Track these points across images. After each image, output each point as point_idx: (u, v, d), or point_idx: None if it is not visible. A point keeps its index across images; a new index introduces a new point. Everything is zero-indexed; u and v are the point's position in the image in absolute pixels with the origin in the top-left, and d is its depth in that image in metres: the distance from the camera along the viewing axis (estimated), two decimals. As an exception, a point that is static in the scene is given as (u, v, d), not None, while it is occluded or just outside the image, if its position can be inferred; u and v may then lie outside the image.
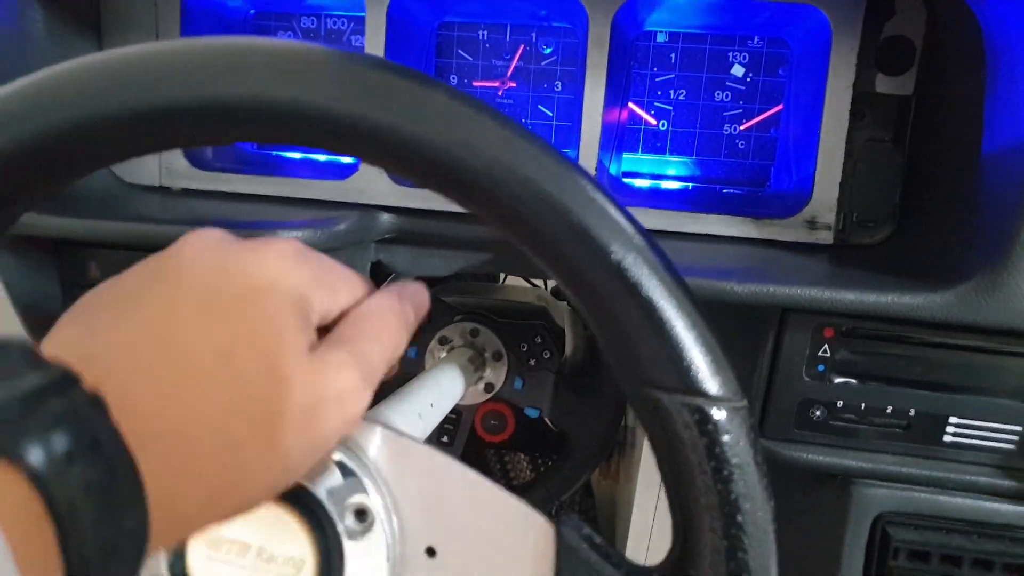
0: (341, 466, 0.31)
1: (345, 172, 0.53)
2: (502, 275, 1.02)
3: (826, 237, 0.48)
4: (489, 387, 0.83)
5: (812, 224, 0.48)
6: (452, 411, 0.83)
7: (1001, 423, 0.46)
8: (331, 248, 0.49)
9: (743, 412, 0.29)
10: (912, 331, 0.45)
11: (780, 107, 0.54)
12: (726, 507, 0.28)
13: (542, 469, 0.97)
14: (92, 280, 0.52)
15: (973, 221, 0.41)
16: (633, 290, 0.28)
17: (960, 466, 0.47)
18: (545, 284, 0.95)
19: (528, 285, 0.95)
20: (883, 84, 0.46)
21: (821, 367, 0.47)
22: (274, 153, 0.61)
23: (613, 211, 0.28)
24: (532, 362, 0.83)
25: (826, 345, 0.46)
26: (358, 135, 0.27)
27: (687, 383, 0.28)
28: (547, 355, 0.83)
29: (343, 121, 0.26)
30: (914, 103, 0.46)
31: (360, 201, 0.52)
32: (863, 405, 0.47)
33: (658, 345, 0.28)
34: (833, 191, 0.47)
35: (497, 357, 0.83)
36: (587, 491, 1.11)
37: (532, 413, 0.83)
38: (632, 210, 0.40)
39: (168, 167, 0.54)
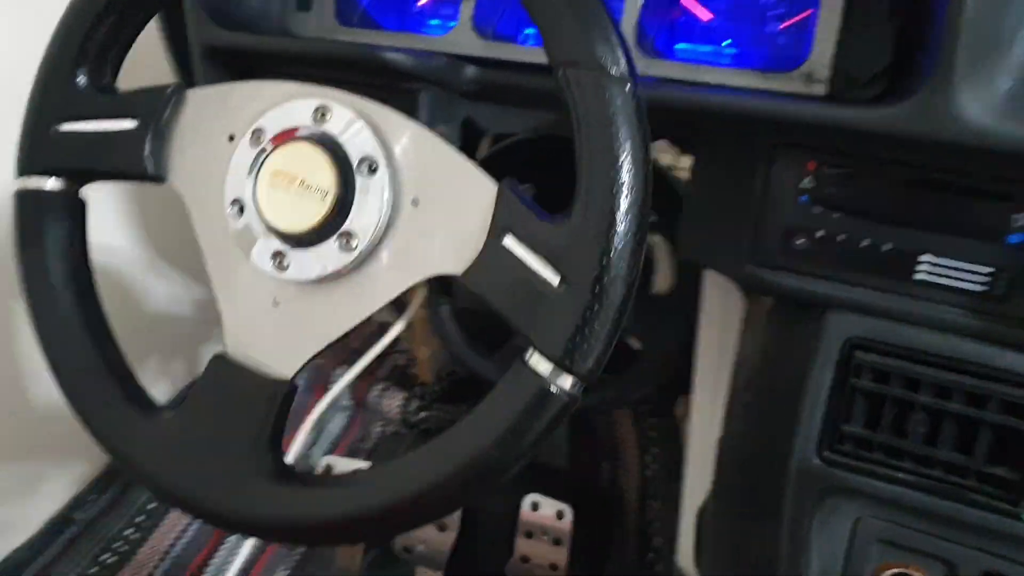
0: (362, 129, 0.44)
1: (444, 31, 0.68)
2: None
3: (819, 89, 0.54)
4: (448, 279, 0.93)
5: (809, 78, 0.55)
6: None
7: (972, 263, 0.50)
8: (420, 78, 0.63)
9: (635, 91, 0.39)
10: (883, 164, 0.51)
11: (810, 11, 0.61)
12: (603, 161, 0.38)
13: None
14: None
15: (926, 58, 0.47)
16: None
17: (931, 304, 0.51)
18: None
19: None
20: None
21: (804, 198, 0.53)
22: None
23: None
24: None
25: (809, 177, 0.53)
26: None
27: (592, 59, 0.39)
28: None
29: None
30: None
31: (455, 52, 0.66)
32: (841, 236, 0.53)
33: (578, 33, 0.39)
34: (828, 50, 0.54)
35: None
36: (675, 435, 1.15)
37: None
38: (657, 63, 0.51)
39: (322, 23, 0.71)
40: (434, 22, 0.73)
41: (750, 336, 0.70)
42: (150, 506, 1.21)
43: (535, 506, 0.94)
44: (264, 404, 0.45)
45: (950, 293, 0.51)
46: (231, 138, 0.48)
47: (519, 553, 0.92)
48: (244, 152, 0.46)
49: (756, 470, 0.62)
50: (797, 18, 0.61)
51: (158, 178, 0.49)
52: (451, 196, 0.43)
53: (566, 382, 0.39)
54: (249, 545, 1.15)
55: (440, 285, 0.94)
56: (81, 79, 0.49)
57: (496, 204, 0.41)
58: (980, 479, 0.50)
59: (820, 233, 0.53)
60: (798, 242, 0.54)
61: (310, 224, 0.44)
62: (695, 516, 0.82)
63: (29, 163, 0.50)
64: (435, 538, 0.94)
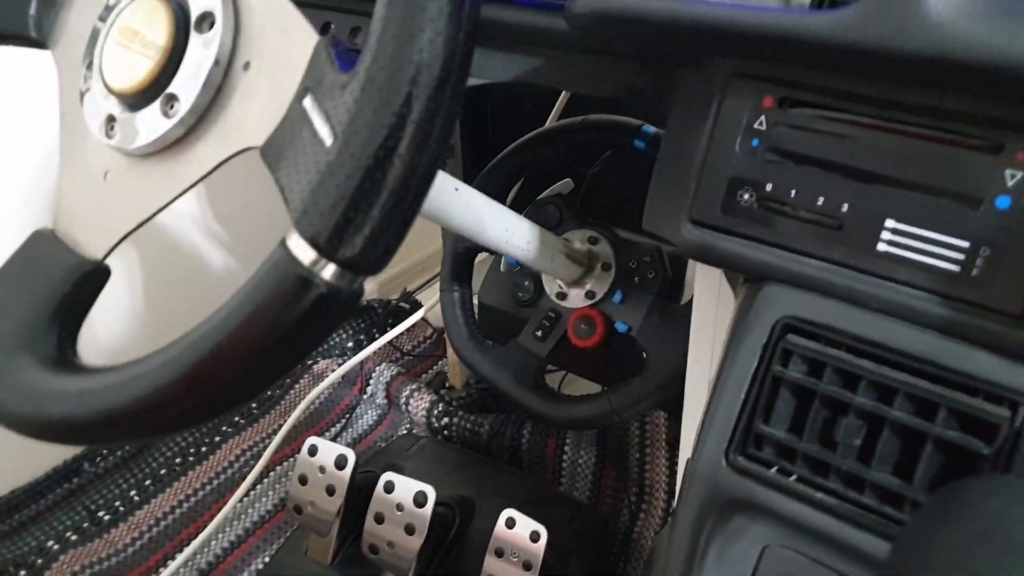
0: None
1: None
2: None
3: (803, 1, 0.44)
4: (591, 294, 0.84)
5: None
6: (552, 310, 0.86)
7: (946, 234, 0.38)
8: None
9: None
10: (849, 101, 0.40)
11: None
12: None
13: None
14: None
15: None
16: None
17: (891, 284, 0.40)
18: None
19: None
20: None
21: (755, 141, 0.43)
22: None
23: None
24: (636, 279, 0.83)
25: (763, 116, 0.43)
26: None
27: None
28: (651, 275, 0.82)
29: None
30: None
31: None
32: (793, 192, 0.42)
33: None
34: None
35: (606, 268, 0.84)
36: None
37: (621, 328, 0.82)
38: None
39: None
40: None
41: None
42: (162, 471, 1.22)
43: (510, 523, 0.85)
44: (58, 280, 0.40)
45: (916, 270, 0.39)
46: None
47: (486, 572, 0.84)
48: (106, 10, 0.43)
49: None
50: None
51: (40, 43, 0.47)
52: (279, 57, 0.37)
53: (327, 270, 0.32)
54: (239, 528, 1.13)
55: (458, 269, 0.88)
56: None
57: (308, 62, 0.35)
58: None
59: (769, 186, 0.43)
60: (744, 197, 0.44)
61: (135, 82, 0.39)
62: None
63: None
64: (402, 540, 0.87)
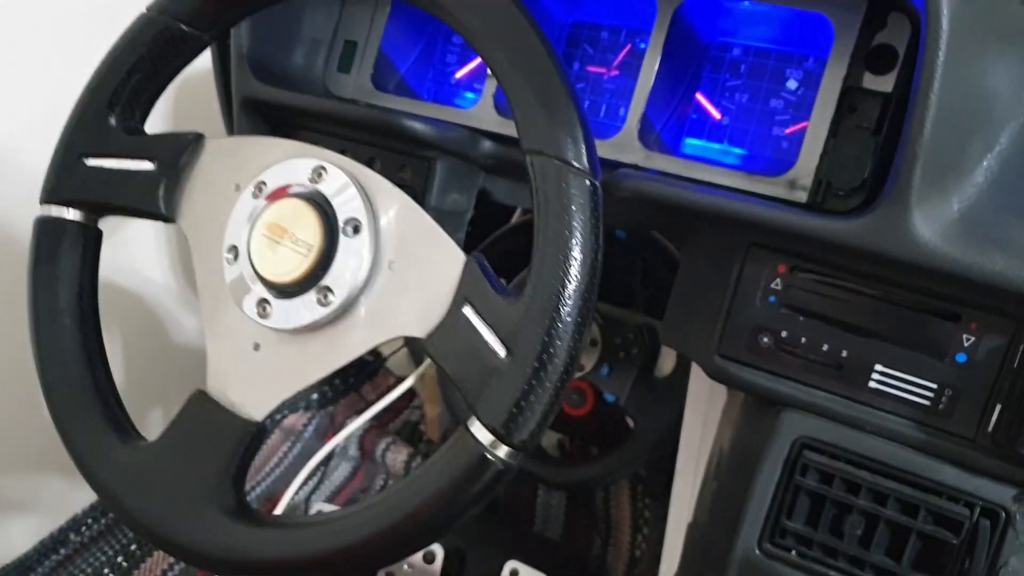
0: (353, 192, 0.48)
1: (468, 105, 0.73)
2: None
3: (801, 196, 0.57)
4: (580, 367, 0.96)
5: (792, 184, 0.58)
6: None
7: (920, 378, 0.52)
8: (437, 147, 0.67)
9: (593, 184, 0.42)
10: (846, 275, 0.53)
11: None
12: (557, 244, 0.42)
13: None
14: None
15: (891, 172, 0.50)
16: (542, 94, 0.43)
17: (880, 413, 0.53)
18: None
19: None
20: (870, 82, 0.56)
21: (772, 298, 0.56)
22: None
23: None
24: (622, 355, 0.95)
25: (778, 279, 0.56)
26: None
27: (557, 151, 0.42)
28: (635, 351, 0.94)
29: None
30: (894, 99, 0.55)
31: (475, 126, 0.70)
32: (803, 339, 0.55)
33: (547, 125, 0.43)
34: (813, 162, 0.57)
35: (593, 343, 0.96)
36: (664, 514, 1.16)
37: (610, 398, 0.94)
38: (656, 156, 0.55)
39: (359, 86, 0.77)
40: (469, 95, 0.78)
41: (726, 425, 0.72)
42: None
43: (514, 574, 0.95)
44: (232, 443, 0.48)
45: (899, 403, 0.52)
46: (237, 187, 0.52)
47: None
48: (245, 202, 0.51)
49: (712, 557, 0.64)
50: (801, 125, 0.64)
51: (168, 218, 0.54)
52: (424, 263, 0.47)
53: (502, 451, 0.42)
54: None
55: None
56: (112, 119, 0.55)
57: (462, 275, 0.45)
58: (910, 586, 0.51)
59: (784, 333, 0.56)
60: (763, 340, 0.56)
61: (293, 276, 0.48)
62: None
63: (53, 192, 0.55)
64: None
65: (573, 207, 0.42)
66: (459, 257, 0.46)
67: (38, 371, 0.53)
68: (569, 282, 0.41)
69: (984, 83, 0.49)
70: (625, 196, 0.59)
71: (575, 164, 0.43)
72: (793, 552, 0.54)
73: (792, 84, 0.66)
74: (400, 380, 1.50)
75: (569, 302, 0.41)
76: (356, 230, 0.48)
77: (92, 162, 0.54)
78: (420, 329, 0.46)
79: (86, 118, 0.55)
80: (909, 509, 0.51)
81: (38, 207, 0.55)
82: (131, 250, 1.16)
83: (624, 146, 0.65)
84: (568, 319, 0.41)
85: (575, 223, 0.42)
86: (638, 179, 0.58)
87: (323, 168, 0.50)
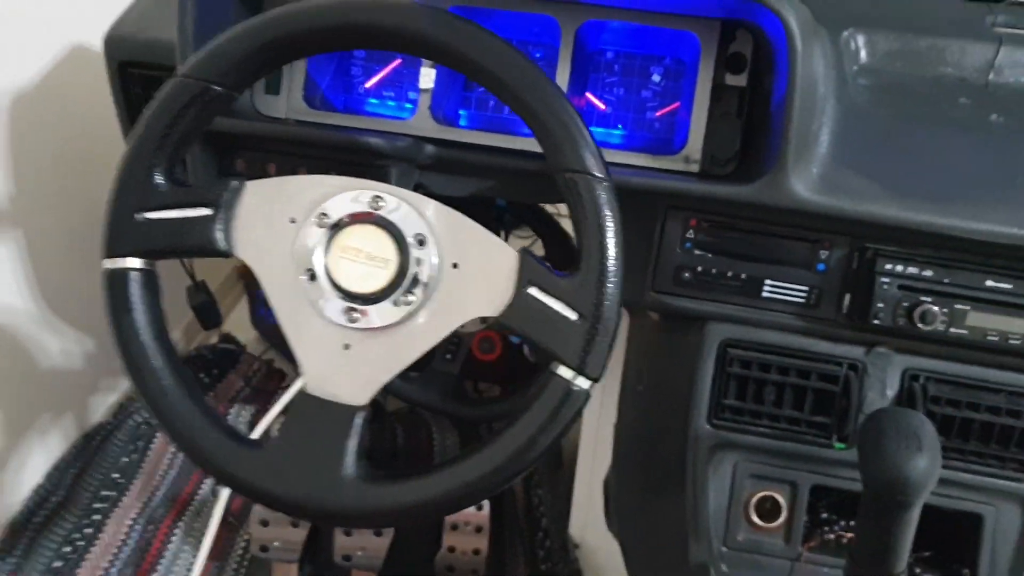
0: (409, 211, 0.61)
1: (406, 115, 0.85)
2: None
3: (695, 167, 0.78)
4: (484, 319, 1.12)
5: (687, 160, 0.79)
6: (454, 336, 1.11)
7: (796, 284, 0.76)
8: (393, 157, 0.79)
9: (611, 186, 0.59)
10: (740, 220, 0.75)
11: (677, 104, 0.85)
12: (599, 233, 0.58)
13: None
14: (239, 172, 0.82)
15: (767, 152, 0.72)
16: (560, 121, 0.58)
17: (773, 312, 0.76)
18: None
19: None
20: (729, 79, 0.78)
21: (688, 244, 0.77)
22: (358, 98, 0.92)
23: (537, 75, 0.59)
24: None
25: (691, 230, 0.76)
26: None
27: (586, 167, 0.58)
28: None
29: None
30: (748, 90, 0.78)
31: (416, 134, 0.83)
32: (713, 270, 0.77)
33: (572, 148, 0.58)
34: (699, 141, 0.78)
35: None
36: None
37: (515, 339, 1.11)
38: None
39: (292, 105, 0.85)
40: (373, 101, 0.89)
41: (635, 344, 0.93)
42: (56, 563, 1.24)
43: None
44: (346, 425, 0.59)
45: (784, 304, 0.76)
46: (292, 221, 0.62)
47: (446, 544, 1.09)
48: (311, 232, 0.61)
49: (654, 442, 0.85)
50: (667, 109, 0.85)
51: (228, 253, 0.62)
52: (482, 259, 0.61)
53: (583, 382, 0.58)
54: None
55: None
56: (158, 178, 0.61)
57: (520, 265, 0.60)
58: (809, 426, 0.76)
59: (699, 268, 0.77)
60: (685, 275, 0.77)
61: (378, 287, 0.60)
62: (601, 488, 1.04)
63: (115, 247, 0.61)
64: (372, 544, 1.08)
65: (605, 208, 0.58)
66: (510, 251, 0.60)
67: (151, 410, 0.60)
68: (610, 259, 0.58)
69: (812, 73, 0.72)
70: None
71: (600, 175, 0.59)
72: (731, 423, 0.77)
73: (656, 77, 0.86)
74: (265, 363, 1.57)
75: (612, 273, 0.58)
76: (421, 242, 0.61)
77: (150, 215, 0.61)
78: (490, 310, 0.60)
79: (135, 178, 0.60)
80: (803, 375, 0.76)
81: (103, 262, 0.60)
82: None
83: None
84: (613, 284, 0.58)
85: (607, 218, 0.58)
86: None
87: (379, 196, 0.61)
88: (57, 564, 1.23)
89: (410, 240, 0.61)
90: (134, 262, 0.61)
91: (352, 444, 0.60)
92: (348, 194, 0.62)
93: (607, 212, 0.58)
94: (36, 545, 1.24)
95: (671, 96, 0.86)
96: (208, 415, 0.60)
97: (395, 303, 0.60)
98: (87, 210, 1.32)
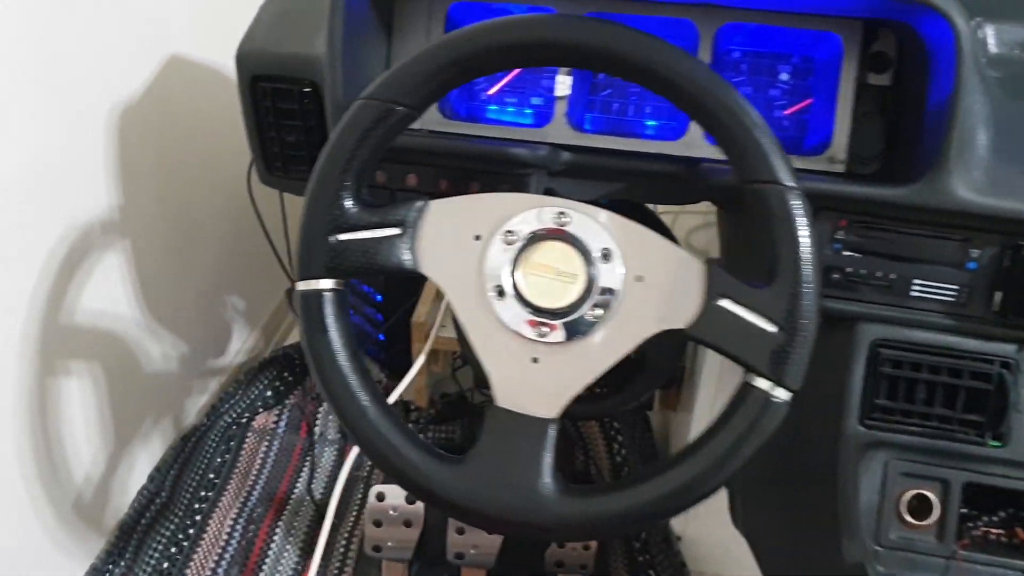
0: (596, 227, 0.61)
1: (527, 122, 0.85)
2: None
3: (840, 167, 0.79)
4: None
5: (831, 160, 0.79)
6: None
7: (946, 283, 0.76)
8: (534, 165, 0.79)
9: (803, 196, 0.59)
10: (888, 221, 0.75)
11: (810, 100, 0.85)
12: (793, 244, 0.58)
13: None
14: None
15: (922, 152, 0.72)
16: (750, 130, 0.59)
17: (922, 312, 0.77)
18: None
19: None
20: (873, 79, 0.78)
21: (837, 245, 0.77)
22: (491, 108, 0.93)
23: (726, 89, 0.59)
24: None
25: (840, 231, 0.77)
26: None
27: (777, 178, 0.59)
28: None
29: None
30: (892, 89, 0.78)
31: (553, 142, 0.83)
32: (863, 271, 0.77)
33: (765, 159, 0.59)
34: (844, 141, 0.78)
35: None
36: (645, 425, 1.39)
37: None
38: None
39: (426, 115, 0.85)
40: (493, 108, 0.90)
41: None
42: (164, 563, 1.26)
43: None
44: (541, 439, 0.60)
45: (934, 303, 0.76)
46: (477, 238, 0.63)
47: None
48: (499, 249, 0.62)
49: (792, 441, 0.86)
50: (799, 106, 0.85)
51: (414, 271, 0.63)
52: (668, 273, 0.61)
53: (784, 394, 0.59)
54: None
55: None
56: (347, 200, 0.62)
57: (708, 276, 0.60)
58: (961, 424, 0.76)
59: (848, 269, 0.77)
60: (834, 276, 0.77)
61: (567, 302, 0.61)
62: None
63: (310, 269, 0.61)
64: (485, 541, 1.10)
65: (799, 218, 0.59)
66: (696, 262, 0.61)
67: (349, 430, 0.61)
68: (806, 269, 0.58)
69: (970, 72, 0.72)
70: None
71: (791, 184, 0.59)
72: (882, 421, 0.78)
73: (784, 76, 0.86)
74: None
75: (809, 283, 0.59)
76: (607, 257, 0.61)
77: (342, 237, 0.61)
78: (678, 322, 0.61)
79: (326, 202, 0.61)
80: (954, 373, 0.76)
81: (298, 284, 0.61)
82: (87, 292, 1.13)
83: (692, 145, 0.82)
84: (810, 294, 0.59)
85: (802, 229, 0.59)
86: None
87: (563, 211, 0.62)
88: (165, 565, 1.25)
89: (596, 255, 0.61)
90: (327, 283, 0.62)
91: (548, 458, 0.60)
92: (532, 211, 0.62)
93: (801, 222, 0.59)
94: (144, 547, 1.26)
95: (800, 94, 0.86)
96: (406, 433, 0.61)
97: (583, 317, 0.61)
98: (180, 217, 1.33)
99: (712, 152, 0.82)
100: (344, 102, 0.78)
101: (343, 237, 0.62)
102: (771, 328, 0.59)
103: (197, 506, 1.33)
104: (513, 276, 0.62)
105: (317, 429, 1.46)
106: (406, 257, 0.63)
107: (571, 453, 1.42)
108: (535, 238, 0.62)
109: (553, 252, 0.61)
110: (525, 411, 0.61)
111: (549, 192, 0.87)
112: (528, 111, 0.90)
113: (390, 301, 1.45)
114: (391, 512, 1.11)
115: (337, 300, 0.62)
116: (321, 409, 1.47)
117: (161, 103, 1.23)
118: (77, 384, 1.13)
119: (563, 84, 0.84)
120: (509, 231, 0.62)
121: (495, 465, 0.60)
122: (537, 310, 0.61)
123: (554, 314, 0.61)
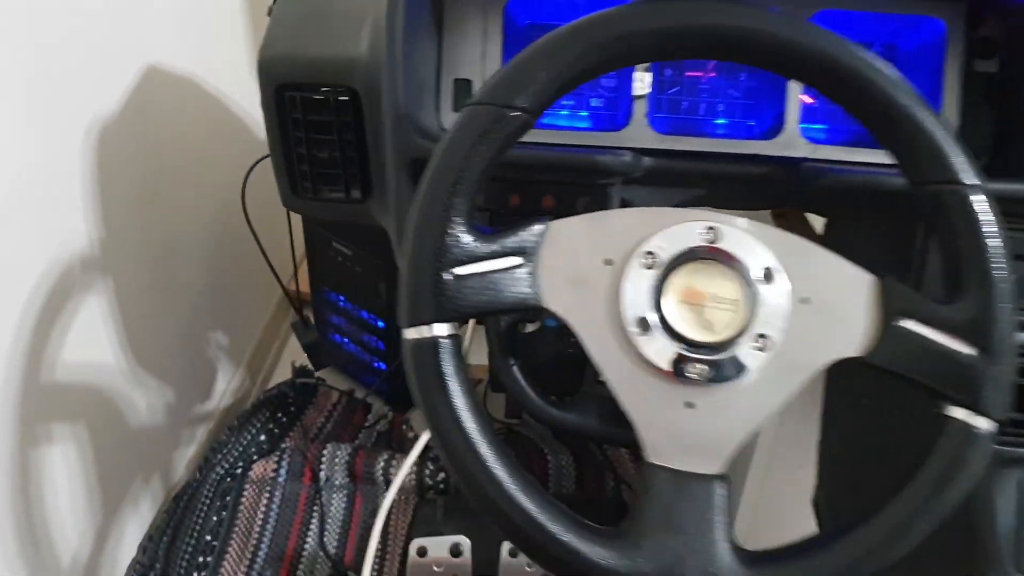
0: (752, 243, 0.53)
1: (584, 125, 0.76)
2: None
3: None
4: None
5: (941, 154, 0.72)
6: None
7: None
8: (617, 172, 0.70)
9: (988, 194, 0.51)
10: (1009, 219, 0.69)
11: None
12: (984, 252, 0.51)
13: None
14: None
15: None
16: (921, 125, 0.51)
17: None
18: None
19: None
20: (979, 65, 0.72)
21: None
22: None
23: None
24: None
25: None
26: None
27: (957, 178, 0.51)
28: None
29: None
30: (999, 76, 0.72)
31: (627, 146, 0.74)
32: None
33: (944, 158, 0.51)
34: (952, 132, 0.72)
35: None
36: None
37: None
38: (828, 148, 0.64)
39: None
40: (564, 112, 0.80)
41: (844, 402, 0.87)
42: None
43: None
44: (710, 502, 0.51)
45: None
46: (608, 262, 0.53)
47: None
48: (638, 274, 0.52)
49: (889, 460, 0.79)
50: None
51: (538, 307, 0.53)
52: (838, 292, 0.53)
53: (987, 425, 0.51)
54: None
55: (508, 345, 0.99)
56: (459, 226, 0.51)
57: (884, 293, 0.52)
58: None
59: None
60: (952, 280, 0.71)
61: (729, 333, 0.52)
62: (769, 500, 0.98)
63: (421, 313, 0.51)
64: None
65: (990, 220, 0.51)
66: (869, 277, 0.53)
67: (481, 505, 0.50)
68: (1002, 281, 0.51)
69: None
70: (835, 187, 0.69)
71: (976, 182, 0.52)
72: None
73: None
74: (346, 394, 1.46)
75: (1007, 297, 0.51)
76: (768, 277, 0.52)
77: (458, 271, 0.51)
78: (854, 349, 0.52)
79: (435, 230, 0.51)
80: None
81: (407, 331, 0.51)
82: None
83: (789, 144, 0.74)
84: (1010, 310, 0.51)
85: (991, 233, 0.51)
86: (853, 174, 0.69)
87: (713, 226, 0.53)
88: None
89: (756, 275, 0.53)
90: (443, 328, 0.51)
91: (720, 520, 0.51)
92: (674, 228, 0.53)
93: (990, 223, 0.51)
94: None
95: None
96: (549, 505, 0.51)
97: (745, 350, 0.52)
98: (163, 245, 1.18)
99: (812, 151, 0.74)
100: (405, 111, 0.67)
101: (460, 271, 0.51)
102: (968, 351, 0.51)
103: (195, 575, 1.19)
104: (660, 307, 0.52)
105: (322, 474, 1.33)
106: (527, 291, 0.53)
107: (601, 479, 1.33)
108: (682, 260, 0.53)
109: (705, 275, 0.52)
110: (686, 467, 0.52)
111: (624, 204, 0.78)
112: (583, 113, 0.81)
113: (393, 328, 1.33)
114: (435, 568, 1.00)
115: (455, 349, 0.52)
116: (325, 451, 1.33)
117: (141, 119, 1.08)
118: (60, 452, 0.98)
119: (643, 82, 0.75)
120: (649, 252, 0.53)
121: (660, 536, 0.51)
122: (691, 345, 0.52)
123: (712, 348, 0.52)
